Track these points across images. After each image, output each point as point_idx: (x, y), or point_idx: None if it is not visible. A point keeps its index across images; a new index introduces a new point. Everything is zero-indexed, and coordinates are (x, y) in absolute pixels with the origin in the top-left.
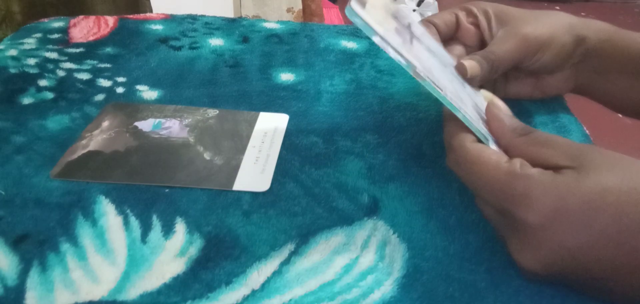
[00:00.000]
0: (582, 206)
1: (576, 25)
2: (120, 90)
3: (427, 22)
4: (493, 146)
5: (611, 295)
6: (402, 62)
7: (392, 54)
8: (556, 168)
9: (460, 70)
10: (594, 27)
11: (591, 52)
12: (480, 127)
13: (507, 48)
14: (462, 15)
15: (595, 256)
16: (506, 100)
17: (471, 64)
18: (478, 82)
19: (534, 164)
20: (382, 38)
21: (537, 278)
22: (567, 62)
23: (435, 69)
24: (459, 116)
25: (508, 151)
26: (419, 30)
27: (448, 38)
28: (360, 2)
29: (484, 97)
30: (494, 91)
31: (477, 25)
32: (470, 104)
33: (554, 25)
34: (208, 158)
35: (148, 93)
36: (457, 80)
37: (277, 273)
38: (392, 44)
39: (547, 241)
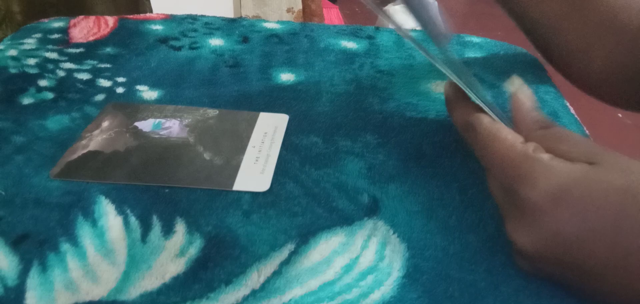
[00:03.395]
0: (583, 198)
1: None
2: (120, 90)
3: None
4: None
5: (602, 296)
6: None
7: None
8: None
9: None
10: None
11: None
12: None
13: None
14: None
15: (588, 250)
16: None
17: None
18: None
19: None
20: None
21: (530, 265)
22: None
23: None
24: (477, 100)
25: (527, 139)
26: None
27: None
28: None
29: (512, 83)
30: None
31: None
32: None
33: None
34: (208, 158)
35: (148, 93)
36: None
37: (277, 273)
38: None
39: (544, 223)
